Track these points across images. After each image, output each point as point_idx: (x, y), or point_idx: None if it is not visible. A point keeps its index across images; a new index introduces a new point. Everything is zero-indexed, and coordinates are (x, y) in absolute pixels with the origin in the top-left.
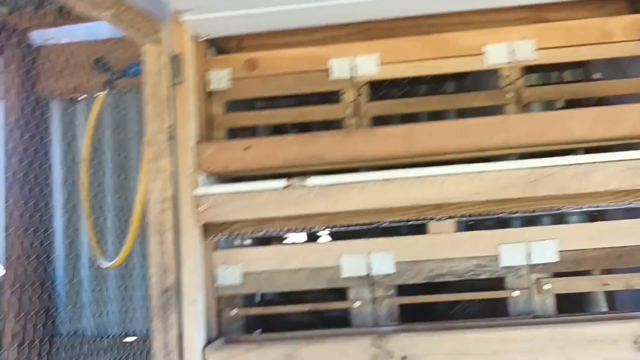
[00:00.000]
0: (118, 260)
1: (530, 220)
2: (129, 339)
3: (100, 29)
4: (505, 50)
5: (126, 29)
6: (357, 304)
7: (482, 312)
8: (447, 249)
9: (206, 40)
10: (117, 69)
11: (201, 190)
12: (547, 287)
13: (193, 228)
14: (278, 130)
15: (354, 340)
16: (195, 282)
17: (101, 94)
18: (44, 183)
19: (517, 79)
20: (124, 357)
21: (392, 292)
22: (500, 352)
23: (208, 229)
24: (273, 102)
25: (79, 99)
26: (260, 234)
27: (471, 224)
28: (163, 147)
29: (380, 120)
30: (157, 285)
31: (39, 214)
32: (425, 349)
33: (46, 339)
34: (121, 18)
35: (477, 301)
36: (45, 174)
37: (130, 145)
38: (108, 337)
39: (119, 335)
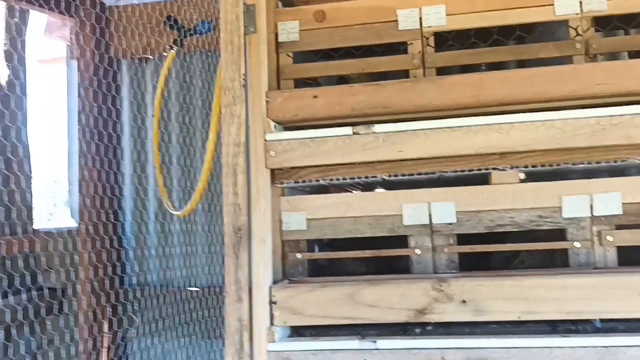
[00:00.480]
0: (187, 209)
1: (593, 174)
2: (192, 289)
3: None
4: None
5: None
6: (418, 251)
7: (540, 266)
8: (509, 200)
9: None
10: (186, 27)
11: (271, 136)
12: (609, 239)
13: (263, 172)
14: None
15: (414, 283)
16: (264, 224)
17: (172, 51)
18: (114, 140)
19: (586, 30)
20: (186, 305)
21: (452, 241)
22: (560, 299)
23: (276, 175)
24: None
25: (148, 58)
26: (326, 181)
27: (533, 176)
28: (238, 93)
29: (446, 73)
30: (230, 224)
31: (110, 170)
32: (485, 293)
33: (115, 287)
34: None
35: (535, 255)
36: (115, 131)
37: (196, 105)
38: (172, 287)
39: (182, 287)
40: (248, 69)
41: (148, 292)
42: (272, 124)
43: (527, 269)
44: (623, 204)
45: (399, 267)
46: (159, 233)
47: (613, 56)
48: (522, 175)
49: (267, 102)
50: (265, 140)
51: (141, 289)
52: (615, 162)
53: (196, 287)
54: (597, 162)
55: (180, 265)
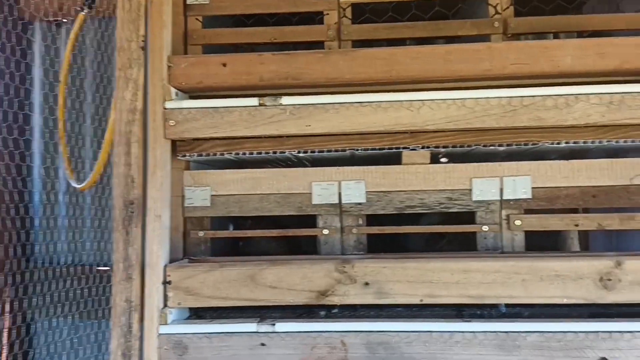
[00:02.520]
0: (88, 181)
1: (514, 158)
2: (103, 268)
3: None
4: None
5: None
6: (326, 231)
7: (463, 248)
8: (419, 181)
9: None
10: None
11: (172, 104)
12: (517, 223)
13: (162, 143)
14: None
15: (317, 264)
16: (161, 198)
17: (81, 13)
18: (23, 106)
19: (505, 8)
20: (97, 285)
21: (361, 221)
22: (463, 282)
23: (178, 147)
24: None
25: (62, 22)
26: (231, 155)
27: (449, 157)
28: (135, 56)
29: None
30: (120, 197)
31: (17, 137)
32: (388, 275)
33: (22, 262)
34: None
35: (452, 240)
36: (24, 97)
37: (111, 73)
38: (82, 265)
39: (93, 265)
40: (149, 30)
41: (57, 269)
42: (174, 91)
43: (454, 250)
44: (533, 188)
45: (315, 247)
46: (69, 208)
47: (538, 38)
48: (444, 159)
49: (169, 67)
50: (165, 109)
51: (50, 265)
52: (526, 145)
53: (107, 266)
54: (508, 145)
55: (91, 242)
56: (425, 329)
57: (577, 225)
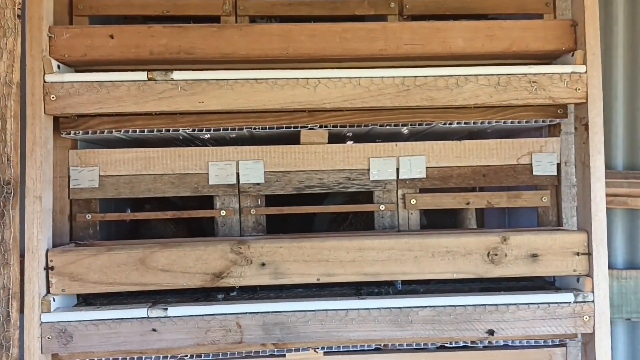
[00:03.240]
0: None
1: (411, 138)
2: None
3: None
4: None
5: None
6: (223, 212)
7: (366, 228)
8: (318, 160)
9: None
10: None
11: (52, 78)
12: (412, 202)
13: (42, 119)
14: None
15: (212, 246)
16: (41, 178)
17: None
18: None
19: None
20: None
21: (260, 202)
22: (358, 260)
23: (62, 124)
24: None
25: None
26: (120, 133)
27: (345, 138)
28: (10, 24)
29: None
30: None
31: None
32: (284, 255)
33: None
34: None
35: (356, 220)
36: None
37: None
38: None
39: None
40: None
41: None
42: (56, 64)
43: (357, 230)
44: (427, 168)
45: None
46: None
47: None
48: (350, 142)
49: (50, 38)
50: (45, 82)
51: None
52: (420, 124)
53: None
54: (404, 124)
55: None
56: (321, 308)
57: (468, 204)
